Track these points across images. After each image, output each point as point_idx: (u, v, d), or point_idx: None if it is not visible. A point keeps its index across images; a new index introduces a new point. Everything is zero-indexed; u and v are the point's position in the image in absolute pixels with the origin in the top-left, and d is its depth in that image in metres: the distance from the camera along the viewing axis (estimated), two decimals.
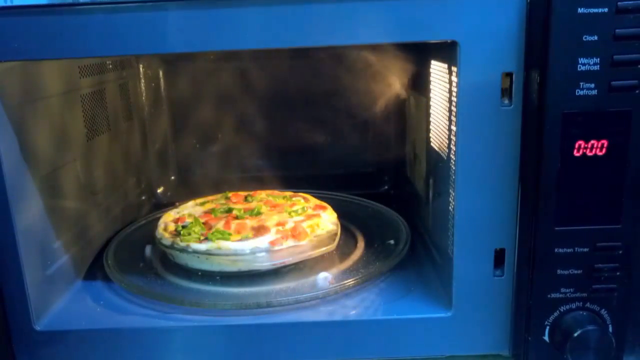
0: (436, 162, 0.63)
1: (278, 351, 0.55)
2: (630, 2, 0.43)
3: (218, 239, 0.63)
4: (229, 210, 0.72)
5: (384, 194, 0.98)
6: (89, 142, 0.72)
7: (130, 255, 0.70)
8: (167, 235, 0.67)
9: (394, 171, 0.97)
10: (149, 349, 0.55)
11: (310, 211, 0.72)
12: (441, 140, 0.60)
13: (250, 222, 0.67)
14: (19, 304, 0.53)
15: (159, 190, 0.99)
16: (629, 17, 0.44)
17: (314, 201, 0.78)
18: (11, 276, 0.53)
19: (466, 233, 0.52)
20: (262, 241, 0.63)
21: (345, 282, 0.59)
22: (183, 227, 0.68)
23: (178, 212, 0.75)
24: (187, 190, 0.96)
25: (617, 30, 0.44)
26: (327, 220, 0.71)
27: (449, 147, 0.55)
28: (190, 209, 0.76)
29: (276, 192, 0.82)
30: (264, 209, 0.73)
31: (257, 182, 0.90)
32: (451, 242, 0.53)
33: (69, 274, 0.64)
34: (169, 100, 0.96)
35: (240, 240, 0.63)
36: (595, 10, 0.44)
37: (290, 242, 0.64)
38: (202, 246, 0.63)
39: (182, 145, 0.97)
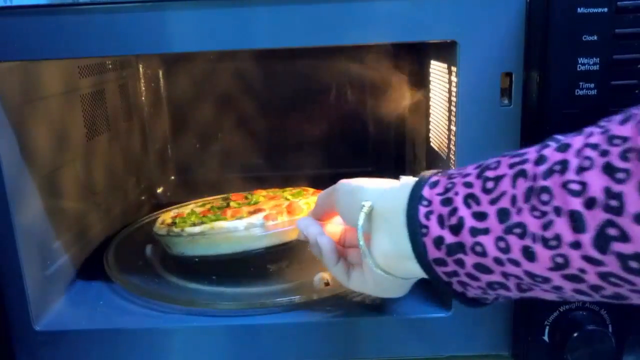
0: (436, 162, 0.63)
1: (278, 351, 0.55)
2: (630, 2, 0.43)
3: (212, 221, 0.63)
4: (227, 206, 0.72)
5: None
6: (88, 142, 0.72)
7: (130, 255, 0.70)
8: (162, 226, 0.67)
9: (394, 171, 0.97)
10: (149, 349, 0.55)
11: (308, 195, 0.72)
12: (441, 140, 0.60)
13: (247, 209, 0.67)
14: (19, 304, 0.53)
15: (159, 191, 0.99)
16: (629, 17, 0.44)
17: (312, 191, 0.77)
18: (11, 276, 0.53)
19: None
20: (257, 217, 0.62)
21: None
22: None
23: (177, 211, 0.74)
24: (187, 190, 0.95)
25: (616, 30, 0.44)
26: None
27: (448, 147, 0.55)
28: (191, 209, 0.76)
29: (276, 190, 0.81)
30: (261, 199, 0.72)
31: (257, 182, 0.90)
32: None
33: (68, 274, 0.64)
34: (168, 101, 0.96)
35: (235, 220, 0.63)
36: (595, 10, 0.44)
37: (285, 217, 0.63)
38: (196, 228, 0.62)
39: (182, 145, 0.97)
